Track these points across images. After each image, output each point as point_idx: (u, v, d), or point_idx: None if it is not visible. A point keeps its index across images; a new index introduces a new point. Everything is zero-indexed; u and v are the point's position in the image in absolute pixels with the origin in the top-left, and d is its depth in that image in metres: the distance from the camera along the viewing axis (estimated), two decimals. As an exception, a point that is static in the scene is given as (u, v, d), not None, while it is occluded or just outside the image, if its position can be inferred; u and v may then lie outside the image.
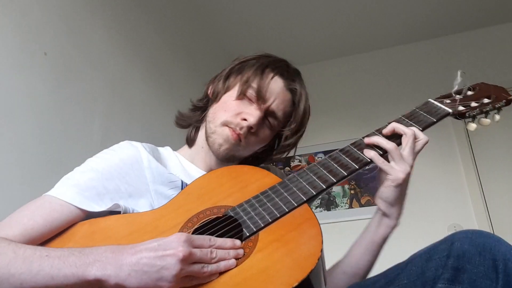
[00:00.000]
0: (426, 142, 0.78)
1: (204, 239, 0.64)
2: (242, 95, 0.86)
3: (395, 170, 0.74)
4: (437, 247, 0.63)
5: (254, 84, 0.86)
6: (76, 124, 1.47)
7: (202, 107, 0.95)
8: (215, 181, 0.78)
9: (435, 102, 0.86)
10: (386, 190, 0.76)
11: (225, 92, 0.89)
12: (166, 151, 0.92)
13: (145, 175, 0.79)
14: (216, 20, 2.73)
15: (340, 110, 2.99)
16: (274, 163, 1.06)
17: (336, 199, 2.78)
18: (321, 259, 0.61)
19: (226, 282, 0.59)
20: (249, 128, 0.84)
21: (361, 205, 2.72)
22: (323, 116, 2.99)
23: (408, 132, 0.76)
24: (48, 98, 1.37)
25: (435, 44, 3.00)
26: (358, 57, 3.14)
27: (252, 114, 0.85)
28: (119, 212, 0.73)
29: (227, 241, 0.65)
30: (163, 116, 2.06)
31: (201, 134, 0.92)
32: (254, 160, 0.95)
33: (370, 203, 2.70)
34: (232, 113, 0.86)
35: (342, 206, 2.75)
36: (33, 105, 1.30)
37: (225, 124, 0.86)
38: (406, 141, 0.76)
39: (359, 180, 2.79)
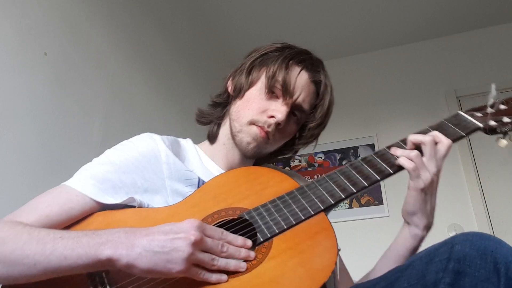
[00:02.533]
0: (449, 145, 0.75)
1: (216, 230, 0.64)
2: (269, 92, 0.84)
3: (416, 174, 0.72)
4: (438, 249, 0.62)
5: (280, 78, 0.84)
6: (76, 124, 1.47)
7: (222, 103, 0.93)
8: (233, 181, 0.76)
9: (465, 115, 0.82)
10: (408, 197, 0.74)
11: (248, 88, 0.87)
12: (187, 144, 0.91)
13: (162, 170, 0.79)
14: (216, 19, 2.73)
15: (340, 110, 2.97)
16: (274, 163, 1.05)
17: (336, 199, 2.78)
18: (334, 272, 0.59)
19: None
20: (277, 124, 0.83)
21: (361, 205, 2.71)
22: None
23: (426, 139, 0.74)
24: (48, 98, 1.37)
25: (435, 44, 3.00)
26: (358, 57, 3.14)
27: (279, 110, 0.83)
28: (134, 206, 0.74)
29: (238, 238, 0.65)
30: (163, 116, 2.06)
31: (223, 131, 0.91)
32: (275, 152, 0.94)
33: (370, 203, 2.70)
34: (258, 110, 0.84)
35: (342, 206, 2.75)
36: (33, 105, 1.30)
37: (252, 122, 0.84)
38: (425, 148, 0.74)
39: (359, 180, 2.79)
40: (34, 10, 1.36)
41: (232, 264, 0.62)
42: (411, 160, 0.72)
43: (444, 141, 0.75)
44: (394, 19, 2.81)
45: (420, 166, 0.72)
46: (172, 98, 2.19)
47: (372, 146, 2.86)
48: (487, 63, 2.81)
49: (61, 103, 1.42)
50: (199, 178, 0.82)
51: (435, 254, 0.61)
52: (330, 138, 2.82)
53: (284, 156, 0.98)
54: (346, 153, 2.88)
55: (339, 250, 0.93)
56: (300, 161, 2.93)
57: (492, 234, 2.36)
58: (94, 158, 0.81)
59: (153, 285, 0.61)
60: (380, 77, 3.02)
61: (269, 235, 0.65)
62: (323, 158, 2.93)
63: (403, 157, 0.73)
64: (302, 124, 0.91)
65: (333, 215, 2.66)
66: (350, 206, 2.74)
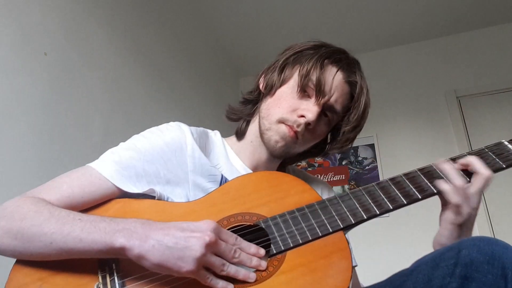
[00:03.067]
0: (492, 178, 0.71)
1: (231, 235, 0.64)
2: (301, 90, 0.82)
3: (459, 210, 0.69)
4: (444, 254, 0.61)
5: (313, 77, 0.81)
6: (76, 124, 1.47)
7: (253, 100, 0.92)
8: (254, 184, 0.74)
9: (509, 145, 0.76)
10: (444, 230, 0.71)
11: (280, 86, 0.85)
12: (215, 137, 0.89)
13: (187, 163, 0.78)
14: (216, 19, 2.73)
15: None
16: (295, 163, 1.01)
17: (336, 199, 2.78)
18: None
19: None
20: (307, 124, 0.81)
21: (361, 205, 2.71)
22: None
23: (486, 174, 0.70)
24: (48, 98, 1.36)
25: (435, 44, 3.00)
26: (358, 57, 3.13)
27: (310, 110, 0.80)
28: (153, 197, 0.73)
29: (251, 246, 0.64)
30: (163, 116, 2.05)
31: (252, 128, 0.90)
32: (305, 153, 0.92)
33: (370, 203, 2.70)
34: (288, 109, 0.82)
35: (342, 206, 2.75)
36: (33, 105, 1.30)
37: (281, 121, 0.82)
38: (478, 180, 0.70)
39: (359, 180, 2.79)
40: (34, 10, 1.36)
41: (241, 273, 0.61)
42: (457, 192, 0.68)
43: (491, 177, 0.71)
44: (394, 19, 2.81)
45: (464, 201, 0.68)
46: (172, 98, 2.19)
47: (372, 146, 2.86)
48: (487, 63, 2.81)
49: (61, 103, 1.42)
50: (222, 175, 0.81)
51: (441, 259, 0.60)
52: (330, 138, 2.82)
53: (313, 157, 0.95)
54: (346, 153, 2.88)
55: (355, 266, 0.91)
56: (300, 161, 2.93)
57: (492, 234, 2.36)
58: (94, 158, 0.81)
59: (160, 284, 0.61)
60: (380, 77, 3.02)
61: (283, 248, 0.64)
62: (323, 158, 2.93)
63: (451, 188, 0.69)
64: (333, 126, 0.88)
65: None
66: (350, 206, 2.73)
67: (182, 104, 2.27)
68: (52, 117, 1.36)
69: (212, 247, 0.59)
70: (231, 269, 0.60)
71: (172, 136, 0.79)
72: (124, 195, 0.73)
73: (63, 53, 1.47)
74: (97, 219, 0.62)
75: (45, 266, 0.62)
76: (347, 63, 0.86)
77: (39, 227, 0.60)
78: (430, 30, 2.93)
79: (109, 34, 1.76)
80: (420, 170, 0.73)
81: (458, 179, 0.69)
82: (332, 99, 0.83)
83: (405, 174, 0.73)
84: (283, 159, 0.92)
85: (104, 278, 0.61)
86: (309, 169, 2.91)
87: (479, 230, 2.38)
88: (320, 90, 0.81)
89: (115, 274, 0.61)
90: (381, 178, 2.73)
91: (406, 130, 2.84)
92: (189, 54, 2.51)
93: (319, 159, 2.93)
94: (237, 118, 0.92)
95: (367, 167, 2.82)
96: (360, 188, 0.72)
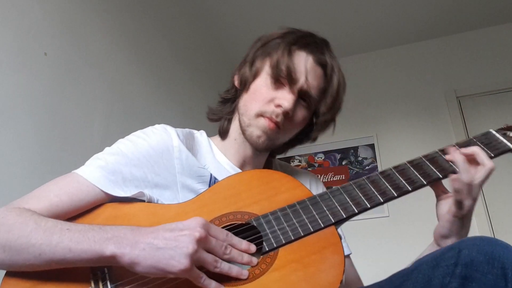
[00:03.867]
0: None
1: (222, 231, 0.63)
2: (275, 81, 0.82)
3: (461, 202, 0.69)
4: (444, 254, 0.61)
5: (283, 66, 0.80)
6: (76, 124, 1.47)
7: (231, 99, 0.91)
8: (245, 183, 0.74)
9: (497, 134, 0.77)
10: (445, 221, 0.71)
11: (253, 79, 0.84)
12: (201, 137, 0.89)
13: (174, 166, 0.77)
14: (216, 19, 2.73)
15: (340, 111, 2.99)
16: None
17: (336, 199, 2.78)
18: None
19: None
20: (285, 113, 0.80)
21: (361, 205, 2.71)
22: (323, 116, 2.99)
23: (489, 165, 0.70)
24: (48, 98, 1.36)
25: (435, 44, 3.00)
26: (357, 57, 3.14)
27: (285, 98, 0.80)
28: (143, 200, 0.73)
29: (242, 243, 0.64)
30: (163, 116, 2.06)
31: (234, 126, 0.89)
32: (291, 141, 0.92)
33: (370, 203, 2.70)
34: (264, 101, 0.81)
35: (342, 206, 2.75)
36: (33, 105, 1.30)
37: (260, 114, 0.82)
38: (483, 173, 0.70)
39: (359, 180, 2.79)
40: (34, 10, 1.36)
41: (234, 270, 0.61)
42: (460, 185, 0.68)
43: (492, 168, 0.71)
44: (394, 19, 2.81)
45: (468, 193, 0.69)
46: (172, 98, 2.19)
47: (372, 146, 2.86)
48: (487, 63, 2.81)
49: (61, 103, 1.42)
50: (211, 175, 0.81)
51: (441, 259, 0.60)
52: (330, 138, 2.82)
53: (300, 144, 0.95)
54: (346, 153, 2.88)
55: (350, 254, 0.91)
56: (300, 161, 2.93)
57: (492, 234, 2.36)
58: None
59: (153, 286, 0.61)
60: (380, 77, 3.02)
61: (275, 245, 0.64)
62: (323, 158, 2.93)
63: (456, 179, 0.69)
64: (314, 110, 0.87)
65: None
66: (350, 206, 2.73)
67: (182, 103, 2.27)
68: (52, 117, 1.36)
69: (202, 243, 0.59)
70: (224, 266, 0.60)
71: (158, 139, 0.78)
72: (114, 199, 0.72)
73: (63, 53, 1.47)
74: (85, 228, 0.61)
75: (36, 274, 0.62)
76: (315, 45, 0.86)
77: (26, 239, 0.59)
78: (430, 30, 2.93)
79: (109, 34, 1.76)
80: (410, 162, 0.73)
81: (467, 172, 0.68)
82: (306, 84, 0.82)
83: (395, 167, 0.73)
84: (271, 151, 0.92)
85: (96, 283, 0.61)
86: (309, 168, 2.91)
87: (479, 229, 2.38)
88: (292, 78, 0.80)
89: (107, 279, 0.61)
90: (381, 178, 2.73)
91: (406, 130, 2.84)
92: (189, 53, 2.51)
93: (319, 159, 2.93)
94: (218, 118, 0.92)
95: (367, 167, 2.82)
96: (351, 182, 0.72)
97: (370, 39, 3.01)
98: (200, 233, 0.58)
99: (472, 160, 0.72)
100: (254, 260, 0.63)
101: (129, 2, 1.95)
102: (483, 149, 0.73)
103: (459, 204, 0.69)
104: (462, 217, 0.70)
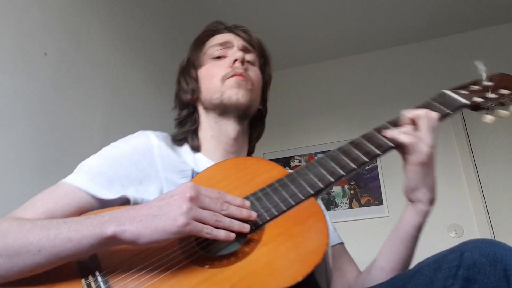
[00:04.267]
0: (438, 118, 0.76)
1: (212, 190, 0.64)
2: (217, 58, 0.91)
3: (416, 149, 0.72)
4: (447, 256, 0.61)
5: (213, 44, 0.93)
6: (76, 124, 1.47)
7: (188, 114, 0.95)
8: (222, 172, 0.77)
9: (450, 93, 0.84)
10: (409, 173, 0.74)
11: (197, 79, 0.93)
12: (179, 141, 0.92)
13: (156, 162, 0.80)
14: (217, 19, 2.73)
15: (339, 111, 2.99)
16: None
17: (335, 199, 2.78)
18: (326, 253, 0.59)
19: (230, 276, 0.58)
20: (242, 61, 0.89)
21: (361, 205, 2.71)
22: (322, 116, 2.99)
23: (422, 112, 0.75)
24: (48, 98, 1.36)
25: (435, 44, 3.00)
26: (357, 57, 3.14)
27: (233, 54, 0.90)
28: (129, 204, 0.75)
29: (236, 199, 0.66)
30: (163, 116, 2.05)
31: (204, 126, 0.93)
32: (260, 116, 0.99)
33: (370, 203, 2.70)
34: (220, 70, 0.89)
35: (341, 206, 2.75)
36: (33, 105, 1.30)
37: (225, 77, 0.88)
38: (421, 122, 0.74)
39: (359, 180, 2.79)
40: (33, 10, 1.36)
41: (236, 223, 0.62)
42: (406, 134, 0.73)
43: (433, 114, 0.75)
44: (394, 19, 2.81)
45: (418, 140, 0.72)
46: (172, 98, 2.19)
47: (372, 146, 2.86)
48: (487, 63, 2.81)
49: (61, 103, 1.42)
50: (192, 170, 0.83)
51: (444, 261, 0.61)
52: (330, 138, 2.83)
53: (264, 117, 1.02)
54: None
55: (342, 242, 0.94)
56: (300, 161, 2.93)
57: (492, 234, 2.36)
58: (94, 158, 0.82)
59: (146, 272, 0.60)
60: (380, 77, 3.02)
61: (260, 223, 0.65)
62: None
63: (401, 133, 0.73)
64: (261, 73, 0.97)
65: (332, 215, 2.66)
66: (350, 206, 2.74)
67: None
68: (52, 117, 1.36)
69: (196, 201, 0.60)
70: (226, 221, 0.61)
71: (138, 141, 0.82)
72: (102, 205, 0.73)
73: (63, 53, 1.47)
74: (81, 218, 0.62)
75: (25, 282, 0.60)
76: (223, 25, 0.99)
77: (24, 238, 0.59)
78: (430, 30, 2.93)
79: (109, 34, 1.76)
80: (376, 130, 0.78)
81: (404, 127, 0.75)
82: (239, 45, 0.93)
83: (363, 136, 0.77)
84: (249, 150, 0.97)
85: (86, 279, 0.61)
86: (309, 169, 2.91)
87: (479, 230, 2.38)
88: (227, 43, 0.93)
89: (97, 274, 0.61)
90: (381, 178, 2.73)
91: (406, 130, 2.83)
92: (189, 54, 2.51)
93: (319, 159, 2.93)
94: (184, 137, 0.93)
95: (367, 167, 2.82)
96: (324, 155, 0.76)
97: (370, 39, 3.01)
98: (191, 193, 0.60)
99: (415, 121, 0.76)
100: (253, 214, 0.64)
101: (129, 2, 1.95)
102: (440, 108, 0.79)
103: (413, 149, 0.72)
104: (423, 164, 0.72)
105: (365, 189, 2.76)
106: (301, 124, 3.03)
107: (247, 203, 0.66)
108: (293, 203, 0.68)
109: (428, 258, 0.65)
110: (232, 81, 0.87)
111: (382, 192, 2.67)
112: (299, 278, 0.55)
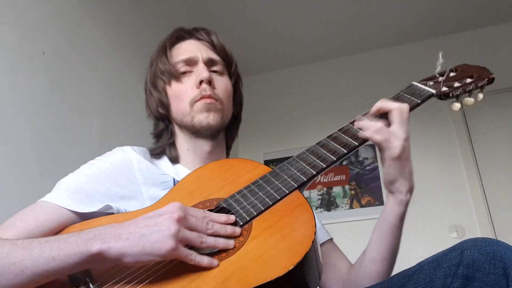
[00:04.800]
0: (408, 108, 0.80)
1: (199, 210, 0.65)
2: (181, 75, 0.89)
3: (389, 145, 0.74)
4: (446, 255, 0.62)
5: (178, 60, 0.89)
6: (75, 124, 1.47)
7: (164, 128, 0.94)
8: (206, 175, 0.78)
9: (419, 85, 0.90)
10: (386, 167, 0.76)
11: (165, 91, 0.90)
12: (158, 154, 0.92)
13: (136, 177, 0.80)
14: (217, 19, 2.72)
15: (339, 110, 2.98)
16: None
17: (336, 200, 2.78)
18: (315, 242, 0.61)
19: (222, 271, 0.59)
20: (208, 82, 0.86)
21: (362, 206, 2.71)
22: (322, 117, 2.99)
23: (394, 106, 0.78)
24: (46, 97, 1.36)
25: (434, 44, 2.99)
26: (355, 57, 3.13)
27: (199, 72, 0.87)
28: (112, 213, 0.74)
29: (221, 216, 0.66)
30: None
31: (180, 140, 0.92)
32: (235, 121, 0.99)
33: (370, 204, 2.69)
34: (188, 92, 0.87)
35: (342, 207, 2.74)
36: (31, 105, 1.29)
37: (193, 102, 0.86)
38: (394, 115, 0.77)
39: (360, 180, 2.79)
40: (32, 10, 1.36)
41: (220, 242, 0.62)
42: (378, 132, 0.74)
43: (403, 106, 0.79)
44: (394, 18, 2.81)
45: (389, 136, 0.74)
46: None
47: (373, 146, 2.85)
48: (487, 62, 2.80)
49: (59, 103, 1.41)
50: (174, 179, 0.83)
51: (443, 260, 0.62)
52: (331, 138, 2.82)
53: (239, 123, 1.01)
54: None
55: (331, 238, 0.95)
56: (300, 162, 2.93)
57: (494, 234, 2.35)
58: (91, 158, 0.82)
59: (138, 282, 0.60)
60: (380, 77, 3.02)
61: (248, 218, 0.67)
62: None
63: (370, 132, 0.75)
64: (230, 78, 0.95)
65: (333, 216, 2.66)
66: (351, 207, 2.73)
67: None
68: (50, 117, 1.36)
69: (183, 222, 0.60)
70: (210, 240, 0.61)
71: (116, 157, 0.82)
72: (83, 219, 0.72)
73: (62, 53, 1.46)
74: (63, 236, 0.60)
75: None
76: (184, 32, 0.95)
77: (6, 259, 0.58)
78: (430, 30, 2.93)
79: (107, 33, 1.75)
80: (351, 123, 0.82)
81: (373, 124, 0.76)
82: (204, 56, 0.90)
83: (339, 129, 0.81)
84: (227, 147, 0.97)
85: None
86: (309, 169, 2.90)
87: (481, 231, 2.37)
88: (191, 59, 0.89)
89: (91, 286, 0.60)
90: (381, 179, 2.72)
91: (406, 130, 2.83)
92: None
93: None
94: (162, 151, 0.93)
95: (367, 167, 2.81)
96: (304, 150, 0.78)
97: (369, 39, 3.00)
98: (179, 214, 0.59)
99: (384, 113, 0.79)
100: (237, 229, 0.65)
101: (127, 2, 1.94)
102: (410, 98, 0.85)
103: (387, 145, 0.74)
104: (399, 157, 0.74)
105: (365, 189, 2.75)
106: (301, 124, 3.02)
107: (232, 217, 0.66)
108: (278, 197, 0.69)
109: (428, 258, 0.66)
110: (200, 105, 0.86)
111: (383, 192, 2.66)
112: (289, 266, 0.56)
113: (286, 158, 0.76)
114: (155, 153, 0.91)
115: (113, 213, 0.73)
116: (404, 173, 0.75)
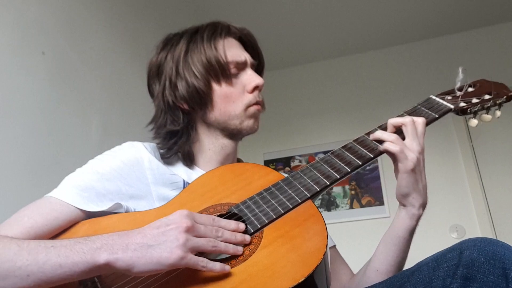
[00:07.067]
0: (425, 123, 0.78)
1: (208, 217, 0.64)
2: (232, 77, 0.84)
3: (404, 157, 0.73)
4: (445, 255, 0.62)
5: (227, 59, 0.83)
6: (74, 123, 1.47)
7: (181, 128, 0.85)
8: (218, 179, 0.77)
9: (437, 99, 0.88)
10: (400, 180, 0.75)
11: (209, 89, 0.83)
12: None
13: (146, 176, 0.78)
14: (217, 19, 2.73)
15: (339, 110, 2.98)
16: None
17: (336, 200, 2.77)
18: (326, 254, 0.60)
19: (232, 279, 0.59)
20: (261, 89, 0.86)
21: (362, 206, 2.70)
22: (322, 116, 2.99)
23: (406, 120, 0.77)
24: (46, 97, 1.36)
25: (433, 44, 2.99)
26: (357, 57, 3.13)
27: (252, 78, 0.85)
28: (121, 212, 0.73)
29: (231, 223, 0.65)
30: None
31: (201, 142, 0.87)
32: None
33: (370, 204, 2.69)
34: (240, 95, 0.84)
35: (342, 207, 2.74)
36: (31, 105, 1.29)
37: (247, 106, 0.84)
38: (406, 129, 0.76)
39: (360, 180, 2.78)
40: (32, 9, 1.36)
41: (231, 247, 0.61)
42: (394, 143, 0.73)
43: (419, 120, 0.78)
44: (394, 18, 2.81)
45: (404, 148, 0.73)
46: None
47: (372, 146, 2.85)
48: (487, 63, 2.80)
49: (59, 102, 1.41)
50: (184, 181, 0.81)
51: (442, 260, 0.61)
52: (330, 138, 2.82)
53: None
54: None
55: (334, 245, 0.94)
56: (300, 161, 2.93)
57: (494, 234, 2.35)
58: (91, 158, 0.81)
59: (147, 285, 0.60)
60: (380, 77, 3.02)
61: (259, 226, 0.66)
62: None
63: (387, 142, 0.74)
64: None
65: (333, 216, 2.66)
66: (351, 207, 2.73)
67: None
68: (50, 117, 1.36)
69: (192, 231, 0.59)
70: (221, 245, 0.61)
71: (127, 154, 0.79)
72: (90, 216, 0.71)
73: (61, 53, 1.46)
74: (70, 242, 0.59)
75: None
76: (225, 28, 0.90)
77: (11, 262, 0.57)
78: (430, 30, 2.93)
79: (107, 33, 1.75)
80: (367, 134, 0.80)
81: (389, 135, 0.76)
82: (250, 57, 0.88)
83: (355, 140, 0.79)
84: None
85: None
86: (309, 169, 2.90)
87: (481, 231, 2.37)
88: (241, 62, 0.85)
89: (98, 287, 0.60)
90: (382, 179, 2.72)
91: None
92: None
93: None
94: (175, 153, 0.85)
95: (368, 168, 2.81)
96: (317, 159, 0.77)
97: (369, 39, 3.00)
98: (187, 223, 0.59)
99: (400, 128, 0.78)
100: (247, 237, 0.64)
101: (128, 2, 1.94)
102: (428, 113, 0.83)
103: (402, 156, 0.73)
104: (412, 171, 0.73)
105: (366, 189, 2.75)
106: (301, 124, 3.02)
107: (241, 225, 0.65)
108: (290, 206, 0.68)
109: (427, 258, 0.66)
110: (253, 110, 0.85)
111: (383, 192, 2.66)
112: (300, 278, 0.55)
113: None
114: (167, 157, 0.84)
115: (122, 212, 0.73)
116: (417, 187, 0.75)
